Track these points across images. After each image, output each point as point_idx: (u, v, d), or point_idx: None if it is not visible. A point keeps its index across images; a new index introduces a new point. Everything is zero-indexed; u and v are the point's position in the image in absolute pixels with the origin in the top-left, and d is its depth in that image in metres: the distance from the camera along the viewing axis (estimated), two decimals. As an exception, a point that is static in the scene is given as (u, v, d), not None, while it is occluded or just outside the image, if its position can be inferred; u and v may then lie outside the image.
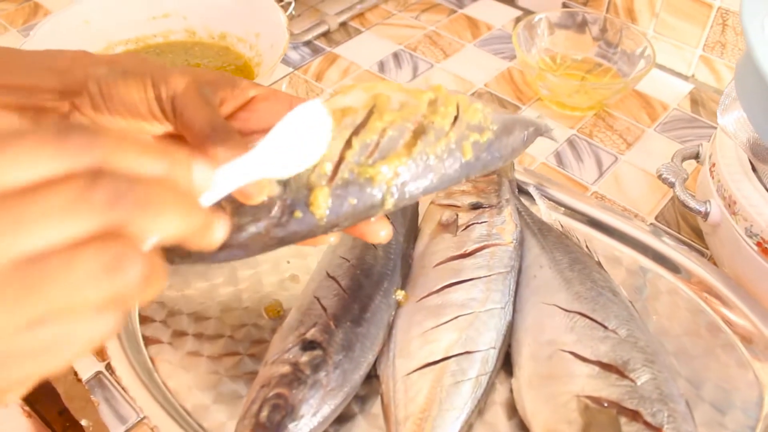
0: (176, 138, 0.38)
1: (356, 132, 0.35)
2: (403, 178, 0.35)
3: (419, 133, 0.36)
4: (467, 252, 0.52)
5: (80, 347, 0.21)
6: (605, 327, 0.46)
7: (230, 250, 0.35)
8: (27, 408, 0.61)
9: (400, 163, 0.35)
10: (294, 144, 0.31)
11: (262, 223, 0.34)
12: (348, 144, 0.35)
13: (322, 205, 0.34)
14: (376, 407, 0.48)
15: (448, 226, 0.55)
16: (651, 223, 0.65)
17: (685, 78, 0.84)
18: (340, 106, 0.37)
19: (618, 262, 0.57)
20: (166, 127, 0.38)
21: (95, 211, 0.20)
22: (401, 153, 0.35)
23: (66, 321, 0.20)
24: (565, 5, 0.91)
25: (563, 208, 0.61)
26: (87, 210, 0.20)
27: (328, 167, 0.35)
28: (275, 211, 0.34)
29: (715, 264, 0.58)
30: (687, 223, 0.65)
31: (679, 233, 0.64)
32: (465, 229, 0.54)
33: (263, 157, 0.30)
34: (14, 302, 0.19)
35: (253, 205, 0.34)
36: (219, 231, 0.26)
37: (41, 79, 0.37)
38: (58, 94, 0.37)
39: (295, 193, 0.34)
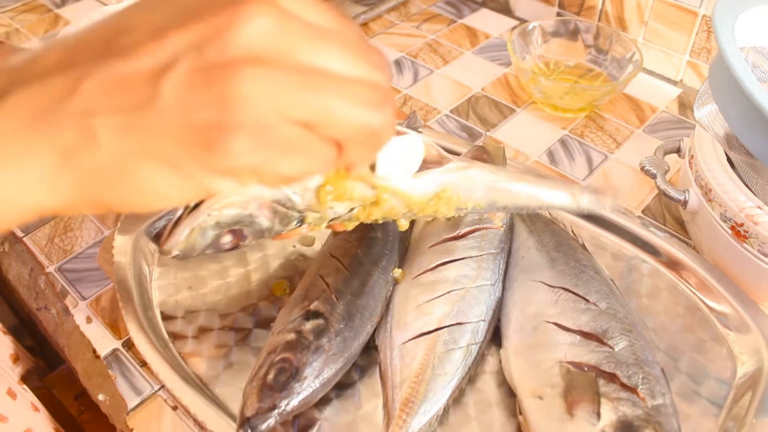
0: None
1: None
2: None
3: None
4: (460, 234, 0.56)
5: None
6: (587, 300, 0.50)
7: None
8: (36, 402, 0.63)
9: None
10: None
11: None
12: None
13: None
14: (374, 376, 0.52)
15: (443, 212, 0.58)
16: (638, 216, 0.68)
17: (674, 83, 0.88)
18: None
19: (603, 248, 0.61)
20: None
21: (372, 108, 0.29)
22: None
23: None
24: (559, 14, 0.96)
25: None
26: (367, 106, 0.29)
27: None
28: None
29: (696, 251, 0.61)
30: (671, 215, 0.69)
31: (664, 225, 0.68)
32: (458, 214, 0.58)
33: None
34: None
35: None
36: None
37: None
38: None
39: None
